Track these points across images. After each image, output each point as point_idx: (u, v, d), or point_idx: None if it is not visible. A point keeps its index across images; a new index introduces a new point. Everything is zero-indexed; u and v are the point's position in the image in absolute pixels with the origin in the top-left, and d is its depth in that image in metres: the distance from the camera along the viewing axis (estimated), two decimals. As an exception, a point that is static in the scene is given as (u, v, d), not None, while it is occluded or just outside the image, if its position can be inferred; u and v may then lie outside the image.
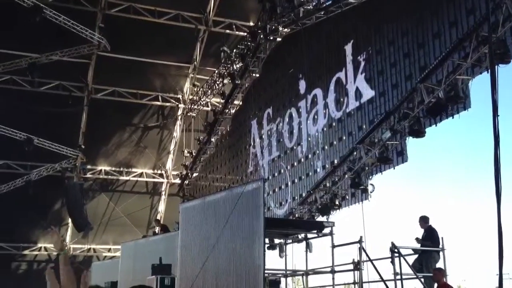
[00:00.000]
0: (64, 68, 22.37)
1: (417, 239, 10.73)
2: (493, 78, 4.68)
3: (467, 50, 11.00)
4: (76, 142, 24.48)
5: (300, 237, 12.76)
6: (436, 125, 12.29)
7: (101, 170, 25.99)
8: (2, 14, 19.97)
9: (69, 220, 24.99)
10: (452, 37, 11.82)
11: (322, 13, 15.42)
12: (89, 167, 25.42)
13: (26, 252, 26.32)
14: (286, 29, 17.16)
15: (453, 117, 11.81)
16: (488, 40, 9.34)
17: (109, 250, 26.97)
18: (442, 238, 10.59)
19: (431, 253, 10.61)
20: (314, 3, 15.71)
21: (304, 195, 17.05)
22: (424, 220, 10.89)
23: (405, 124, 12.67)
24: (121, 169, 26.20)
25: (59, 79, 23.32)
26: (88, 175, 25.56)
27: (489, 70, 10.72)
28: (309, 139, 17.33)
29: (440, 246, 10.55)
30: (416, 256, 10.84)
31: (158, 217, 26.04)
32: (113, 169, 26.10)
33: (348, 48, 15.61)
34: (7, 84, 22.59)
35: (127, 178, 26.35)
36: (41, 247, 26.54)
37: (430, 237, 10.62)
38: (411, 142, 13.05)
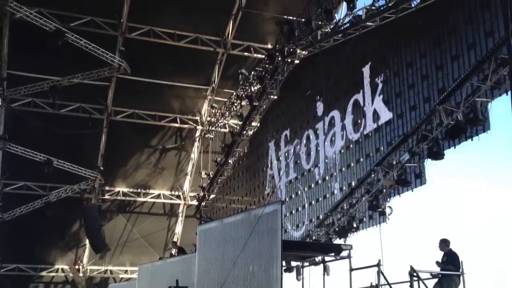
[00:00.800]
0: (84, 90, 22.73)
1: (437, 262, 10.58)
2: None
3: (486, 72, 10.93)
4: (95, 164, 24.72)
5: (317, 260, 12.64)
6: (455, 147, 12.17)
7: (119, 191, 26.15)
8: (24, 37, 20.45)
9: (87, 242, 25.10)
10: (470, 59, 11.76)
11: (340, 36, 15.49)
12: (107, 188, 25.61)
13: (43, 273, 26.45)
14: (303, 52, 17.25)
15: (472, 139, 11.70)
16: (508, 62, 9.27)
17: (126, 271, 26.97)
18: (462, 262, 10.42)
19: (451, 277, 10.43)
20: (331, 26, 15.80)
21: (321, 217, 16.92)
22: (445, 243, 10.74)
23: (424, 146, 12.58)
24: (139, 190, 26.35)
25: (80, 101, 23.68)
26: (106, 196, 25.74)
27: (508, 93, 10.66)
28: (327, 160, 17.26)
29: (461, 270, 10.38)
30: (435, 280, 10.67)
31: (175, 239, 26.04)
32: (131, 190, 26.25)
33: (366, 70, 15.61)
34: (29, 107, 22.99)
35: (145, 199, 26.47)
36: (58, 269, 26.68)
37: (452, 261, 10.45)
38: (430, 164, 12.94)
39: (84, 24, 21.28)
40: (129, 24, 21.86)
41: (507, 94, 10.81)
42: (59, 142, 23.33)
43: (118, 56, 21.47)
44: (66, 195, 24.50)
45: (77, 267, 26.20)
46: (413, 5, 12.89)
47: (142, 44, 22.22)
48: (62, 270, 26.71)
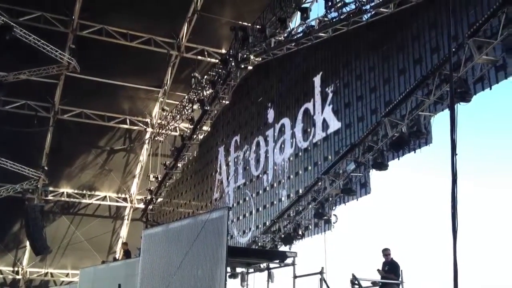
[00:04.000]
0: (31, 87, 22.09)
1: (378, 270, 10.83)
2: (452, 119, 4.83)
3: (430, 87, 11.31)
4: (39, 163, 24.02)
5: (262, 266, 12.70)
6: (398, 159, 12.52)
7: (63, 192, 25.51)
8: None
9: (27, 243, 24.33)
10: (416, 74, 12.16)
11: (293, 44, 15.67)
12: (51, 189, 24.90)
13: (-20, 274, 25.48)
14: (257, 58, 17.36)
15: (415, 152, 12.07)
16: (449, 80, 9.64)
17: (67, 275, 26.31)
18: (401, 271, 10.71)
19: (391, 285, 10.71)
20: (285, 35, 15.97)
21: (268, 223, 17.03)
22: (386, 252, 11.02)
23: (369, 157, 12.87)
24: (84, 192, 25.77)
25: (25, 98, 23.00)
26: (50, 197, 25.02)
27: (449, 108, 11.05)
28: (275, 167, 17.41)
29: (401, 279, 10.67)
30: (376, 288, 10.93)
31: (125, 241, 25.60)
32: (76, 191, 25.66)
33: (317, 80, 15.88)
34: (-29, 102, 22.16)
35: (90, 201, 25.92)
36: (-5, 268, 25.75)
37: (393, 270, 10.73)
38: (375, 175, 13.26)
39: (33, 20, 20.71)
40: (80, 21, 21.42)
41: (449, 109, 11.18)
42: (2, 140, 22.54)
43: (68, 54, 20.97)
44: (7, 194, 23.68)
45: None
46: (364, 19, 13.19)
47: (94, 42, 21.80)
48: (0, 271, 25.79)
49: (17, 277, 25.97)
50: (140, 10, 21.60)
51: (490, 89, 10.42)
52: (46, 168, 23.91)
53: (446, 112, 11.37)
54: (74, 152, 24.80)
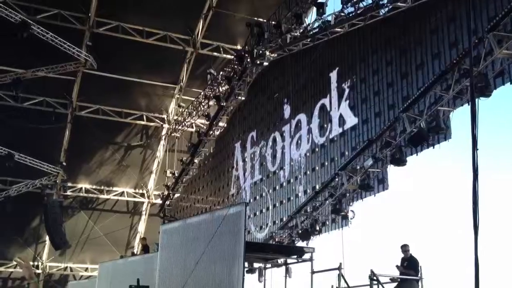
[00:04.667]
0: (49, 84, 22.30)
1: (397, 266, 10.81)
2: (473, 113, 4.79)
3: (449, 82, 11.21)
4: (57, 159, 24.27)
5: (279, 262, 12.74)
6: (417, 155, 12.44)
7: (81, 188, 25.75)
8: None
9: (47, 238, 24.63)
10: (435, 68, 12.06)
11: (309, 40, 15.63)
12: (69, 184, 25.18)
13: (1, 269, 25.81)
14: (273, 54, 17.34)
15: (433, 147, 11.98)
16: (470, 73, 9.56)
17: (86, 269, 26.58)
18: (420, 267, 10.68)
19: (410, 281, 10.68)
20: (301, 30, 15.93)
21: (285, 219, 17.05)
22: (404, 248, 10.98)
23: (387, 153, 12.81)
24: (102, 187, 25.98)
25: (43, 95, 23.22)
26: (68, 192, 25.30)
27: (469, 103, 10.95)
28: (292, 163, 17.40)
29: (419, 275, 10.63)
30: (395, 284, 10.90)
31: (144, 236, 25.80)
32: (94, 187, 25.89)
33: (333, 75, 15.82)
34: (-10, 98, 22.44)
35: (108, 196, 26.13)
36: (16, 265, 26.06)
37: (412, 266, 10.70)
38: (393, 170, 13.19)
39: (51, 17, 20.88)
40: (97, 18, 21.56)
41: (468, 104, 11.10)
42: (21, 136, 22.82)
43: (84, 51, 21.14)
44: (27, 190, 23.98)
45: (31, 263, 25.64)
46: (381, 14, 13.11)
47: (110, 39, 21.95)
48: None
49: (37, 271, 26.28)
50: (155, 7, 21.69)
51: (511, 83, 10.31)
52: (64, 164, 24.16)
53: (465, 107, 11.29)
54: (92, 148, 25.01)
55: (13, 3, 19.86)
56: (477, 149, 5.04)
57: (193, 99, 23.75)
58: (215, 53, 23.30)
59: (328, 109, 15.87)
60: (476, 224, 4.95)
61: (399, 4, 12.53)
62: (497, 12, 10.31)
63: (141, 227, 27.12)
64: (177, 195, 25.06)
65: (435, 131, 11.46)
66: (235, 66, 19.71)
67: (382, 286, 10.21)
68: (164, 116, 25.60)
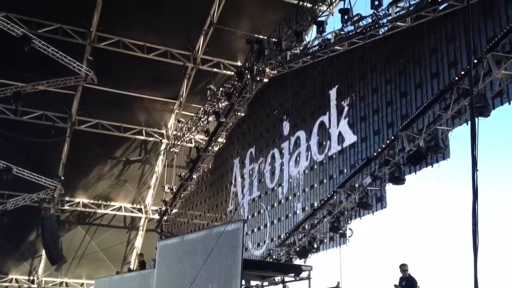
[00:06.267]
0: (48, 98, 22.32)
1: (395, 286, 10.74)
2: (473, 134, 4.79)
3: (448, 101, 11.24)
4: (55, 173, 24.22)
5: (277, 279, 12.65)
6: (415, 173, 12.43)
7: (79, 202, 25.69)
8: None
9: (43, 252, 24.49)
10: (433, 88, 12.11)
11: (309, 57, 15.71)
12: (67, 198, 25.13)
13: (-4, 283, 25.67)
14: (273, 71, 17.42)
15: (432, 166, 11.97)
16: (469, 93, 9.59)
17: (82, 284, 26.41)
18: (419, 287, 10.61)
19: (408, 301, 10.60)
20: (301, 48, 16.02)
21: (282, 236, 16.97)
22: (403, 268, 10.92)
23: (386, 171, 12.79)
24: (100, 202, 25.91)
25: (43, 109, 23.26)
26: (66, 206, 25.25)
27: (468, 122, 10.97)
28: (290, 180, 17.38)
29: (418, 295, 10.56)
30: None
31: (140, 252, 25.66)
32: (92, 201, 25.81)
33: (333, 93, 15.87)
34: (-10, 112, 22.47)
35: (105, 211, 26.05)
36: (12, 279, 25.91)
37: (411, 286, 10.63)
38: (391, 189, 13.16)
39: (52, 31, 20.98)
40: (98, 33, 21.66)
41: (467, 124, 11.12)
42: (20, 149, 22.83)
43: (85, 65, 21.21)
44: (24, 203, 23.91)
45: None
46: (380, 33, 13.20)
47: (111, 54, 22.03)
48: (16, 280, 25.95)
49: (33, 286, 26.13)
50: (156, 23, 21.82)
51: (509, 103, 10.34)
52: (62, 178, 24.11)
53: (464, 126, 11.31)
54: (90, 162, 24.99)
55: (15, 17, 19.97)
56: (477, 170, 5.04)
57: (192, 114, 23.79)
58: (215, 69, 23.40)
59: (327, 126, 15.89)
60: (476, 244, 4.94)
61: (398, 23, 12.61)
62: (496, 33, 10.39)
63: (138, 243, 26.98)
64: (174, 210, 24.98)
65: (433, 150, 11.45)
66: (235, 82, 19.78)
67: (380, 305, 10.14)
68: (163, 131, 25.62)
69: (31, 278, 25.94)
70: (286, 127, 18.09)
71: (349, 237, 14.56)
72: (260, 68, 17.78)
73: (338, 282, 10.42)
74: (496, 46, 10.05)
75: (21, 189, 23.83)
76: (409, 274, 10.81)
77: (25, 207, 23.93)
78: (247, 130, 20.82)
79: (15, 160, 22.66)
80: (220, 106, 20.80)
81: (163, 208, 24.88)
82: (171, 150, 25.16)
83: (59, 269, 25.22)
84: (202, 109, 22.71)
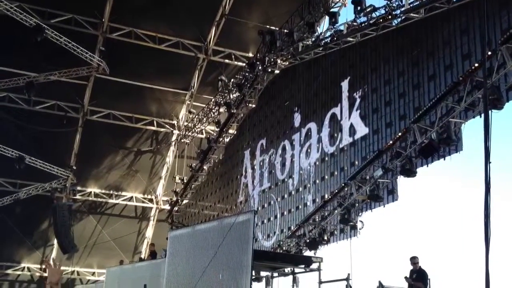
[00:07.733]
0: (61, 88, 22.45)
1: (406, 278, 10.72)
2: (486, 127, 4.76)
3: (461, 93, 11.16)
4: (67, 163, 24.41)
5: (287, 271, 12.68)
6: (427, 166, 12.36)
7: (90, 192, 25.86)
8: (3, 32, 20.12)
9: (55, 241, 24.72)
10: (447, 80, 12.00)
11: (321, 49, 15.65)
12: (79, 188, 25.29)
13: (9, 271, 25.94)
14: (284, 62, 17.39)
15: (444, 159, 11.90)
16: (483, 85, 9.50)
17: (93, 273, 26.63)
18: (429, 279, 10.58)
19: (418, 294, 10.58)
20: (313, 39, 15.96)
21: (293, 228, 16.99)
22: (414, 260, 10.90)
23: (397, 163, 12.74)
24: (111, 192, 26.07)
25: (55, 99, 23.39)
26: (77, 196, 25.40)
27: (481, 115, 10.89)
28: (301, 172, 17.36)
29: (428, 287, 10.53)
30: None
31: (147, 243, 25.84)
32: (103, 191, 25.98)
33: (345, 84, 15.79)
34: (3, 101, 22.63)
35: (116, 201, 26.21)
36: (24, 267, 26.20)
37: (421, 278, 10.61)
38: (402, 181, 13.11)
39: (65, 22, 21.05)
40: (110, 24, 21.71)
41: (480, 117, 11.03)
42: (33, 139, 23.00)
43: (97, 56, 21.28)
44: (36, 193, 24.11)
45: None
46: (393, 24, 13.10)
47: (123, 45, 22.08)
48: (28, 269, 26.25)
49: (44, 274, 26.35)
50: (168, 14, 21.82)
51: (524, 96, 10.25)
52: (74, 167, 24.29)
53: (477, 118, 11.22)
54: (102, 152, 25.12)
55: (28, 7, 20.05)
56: (489, 162, 5.00)
57: (203, 105, 23.82)
58: (226, 60, 23.38)
59: (339, 118, 15.83)
60: (488, 237, 4.91)
61: (412, 15, 12.52)
62: (511, 25, 10.27)
63: (149, 233, 27.14)
64: (185, 201, 25.08)
65: (446, 143, 11.38)
66: (247, 74, 19.76)
67: (390, 297, 10.13)
68: (175, 122, 25.68)
69: (43, 267, 26.18)
70: (297, 118, 18.05)
71: (360, 229, 14.53)
72: (272, 59, 17.75)
73: (348, 274, 10.41)
74: (511, 38, 9.94)
75: (33, 178, 24.02)
76: (420, 266, 10.78)
77: (38, 196, 24.13)
78: (258, 122, 20.80)
79: (27, 149, 22.84)
80: (231, 97, 20.80)
81: (174, 199, 25.00)
82: (182, 141, 25.23)
83: (71, 258, 25.44)
84: (213, 100, 22.73)
